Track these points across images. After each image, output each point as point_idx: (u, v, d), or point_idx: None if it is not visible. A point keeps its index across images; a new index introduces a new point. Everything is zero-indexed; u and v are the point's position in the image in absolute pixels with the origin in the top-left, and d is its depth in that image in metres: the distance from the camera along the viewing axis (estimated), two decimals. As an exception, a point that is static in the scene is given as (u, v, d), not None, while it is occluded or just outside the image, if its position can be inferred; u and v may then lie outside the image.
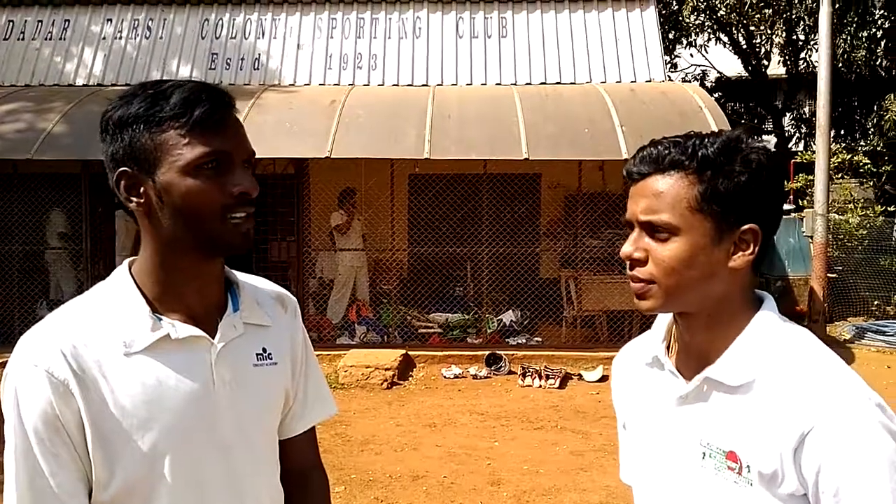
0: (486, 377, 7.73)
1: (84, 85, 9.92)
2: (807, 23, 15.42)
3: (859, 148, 14.50)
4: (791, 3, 14.68)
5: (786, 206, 11.50)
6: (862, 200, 11.74)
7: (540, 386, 7.39)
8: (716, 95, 16.58)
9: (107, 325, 1.14)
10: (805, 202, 11.52)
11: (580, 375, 7.72)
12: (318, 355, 1.46)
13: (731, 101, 19.00)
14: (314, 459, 1.43)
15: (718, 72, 18.79)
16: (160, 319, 1.17)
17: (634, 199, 1.14)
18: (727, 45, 17.28)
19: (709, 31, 16.85)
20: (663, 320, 1.26)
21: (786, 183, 12.44)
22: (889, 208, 11.96)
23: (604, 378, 7.48)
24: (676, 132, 1.17)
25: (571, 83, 9.79)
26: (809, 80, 14.65)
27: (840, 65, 13.75)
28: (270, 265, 8.83)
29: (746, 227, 1.10)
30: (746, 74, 17.87)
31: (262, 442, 1.27)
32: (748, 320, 1.14)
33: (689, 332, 1.18)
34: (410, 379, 7.74)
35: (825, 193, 9.63)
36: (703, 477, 1.14)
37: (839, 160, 12.14)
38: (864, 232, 10.95)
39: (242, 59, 10.19)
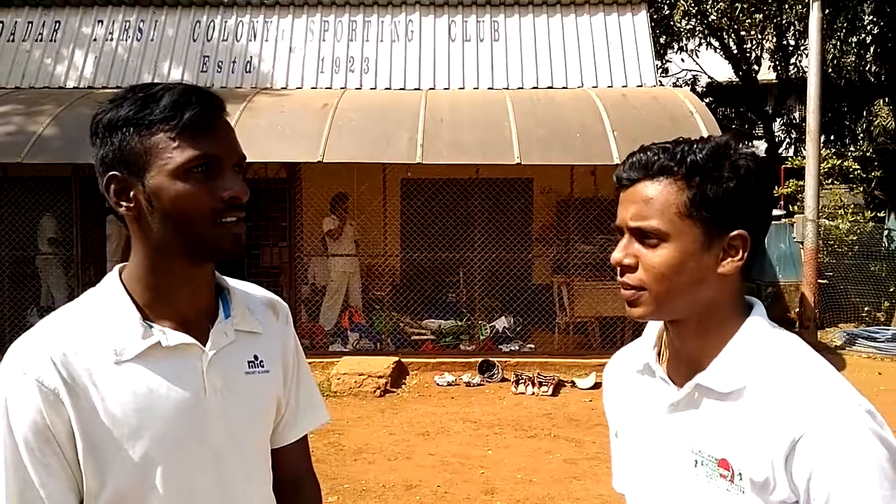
0: (479, 384, 7.72)
1: (75, 87, 9.86)
2: (797, 28, 15.53)
3: (849, 153, 14.58)
4: (781, 8, 14.76)
5: (776, 212, 11.57)
6: (852, 206, 11.81)
7: (533, 393, 7.38)
8: (707, 100, 16.63)
9: (97, 333, 1.13)
10: (795, 208, 11.58)
11: (573, 382, 7.72)
12: (310, 363, 1.45)
13: (722, 106, 19.10)
14: (307, 468, 1.42)
15: (709, 77, 18.88)
16: (151, 327, 1.16)
17: (624, 206, 1.15)
18: (718, 50, 17.36)
19: (700, 36, 16.92)
20: (654, 327, 1.26)
21: (776, 188, 12.52)
22: (879, 214, 12.04)
23: (597, 385, 7.48)
24: (667, 137, 1.17)
25: (563, 88, 9.80)
26: (799, 86, 14.76)
27: (830, 70, 13.84)
28: (262, 271, 8.79)
29: (735, 232, 1.11)
30: (737, 79, 17.96)
31: (254, 450, 1.26)
32: (738, 326, 1.14)
33: (680, 338, 1.18)
34: (403, 386, 7.72)
35: (815, 199, 9.68)
36: (696, 484, 1.14)
37: (829, 166, 12.20)
38: (855, 237, 11.01)
39: (234, 61, 10.15)
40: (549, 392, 7.37)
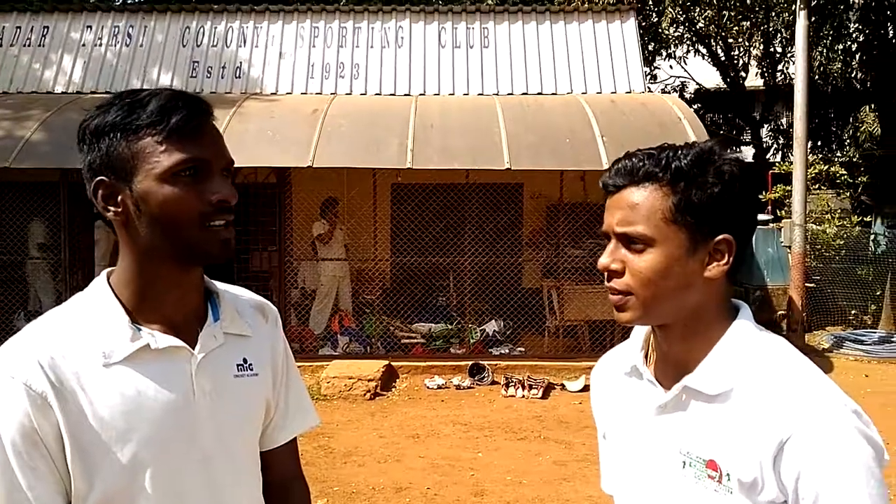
0: (469, 387, 7.72)
1: (63, 92, 9.82)
2: (784, 35, 15.67)
3: (836, 159, 14.73)
4: (768, 15, 14.90)
5: (764, 217, 11.65)
6: (839, 211, 11.91)
7: (523, 396, 7.39)
8: (695, 107, 16.78)
9: (85, 336, 1.13)
10: (783, 212, 11.66)
11: (563, 385, 7.74)
12: (300, 366, 1.46)
13: (710, 113, 19.24)
14: (296, 471, 1.42)
15: (697, 83, 19.02)
16: (139, 329, 1.15)
17: (610, 211, 1.16)
18: (706, 57, 17.50)
19: (688, 43, 17.06)
20: (641, 330, 1.27)
21: (764, 193, 12.61)
22: (865, 218, 12.15)
23: (586, 388, 7.49)
24: (656, 143, 1.18)
25: (553, 94, 9.85)
26: (786, 92, 14.88)
27: (816, 77, 13.96)
28: (252, 275, 8.76)
29: (721, 237, 1.12)
30: (725, 86, 18.10)
31: (243, 453, 1.26)
32: (725, 329, 1.15)
33: (667, 341, 1.19)
34: (393, 390, 7.71)
35: (803, 204, 9.76)
36: (684, 486, 1.15)
37: (816, 171, 12.31)
38: (842, 242, 11.09)
39: (224, 67, 10.14)
40: (539, 395, 7.38)
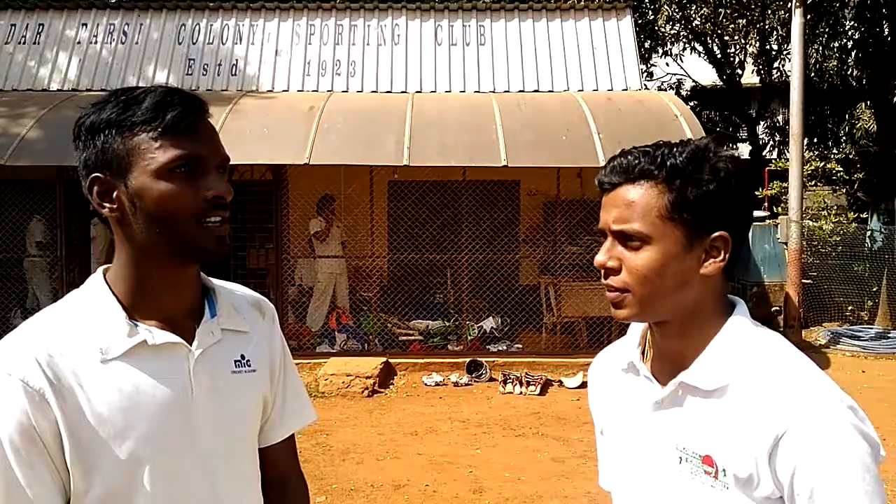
0: (467, 384, 7.73)
1: (59, 90, 9.79)
2: (780, 33, 15.70)
3: (832, 156, 14.75)
4: (764, 13, 14.92)
5: (761, 213, 11.66)
6: (835, 207, 11.93)
7: (521, 393, 7.39)
8: (691, 104, 16.77)
9: (82, 333, 1.13)
10: (779, 209, 11.68)
11: (560, 382, 7.75)
12: (297, 364, 1.45)
13: (707, 110, 19.26)
14: (294, 467, 1.42)
15: (693, 80, 19.04)
16: (136, 326, 1.15)
17: (606, 209, 1.16)
18: (702, 55, 17.51)
19: (684, 40, 17.07)
20: (638, 326, 1.28)
21: (760, 190, 12.62)
22: (862, 215, 12.18)
23: (584, 384, 7.50)
24: (653, 140, 1.18)
25: (549, 91, 9.85)
26: (783, 89, 14.89)
27: (812, 74, 14.00)
28: (249, 272, 8.75)
29: (717, 234, 1.12)
30: (721, 83, 18.12)
31: (242, 449, 1.26)
32: (721, 325, 1.15)
33: (664, 338, 1.19)
34: (391, 387, 7.71)
35: (799, 200, 9.78)
36: (680, 481, 1.15)
37: (812, 168, 12.33)
38: (838, 238, 11.13)
39: (220, 64, 10.12)
40: (537, 391, 7.39)
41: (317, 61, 10.15)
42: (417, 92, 9.83)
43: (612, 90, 9.84)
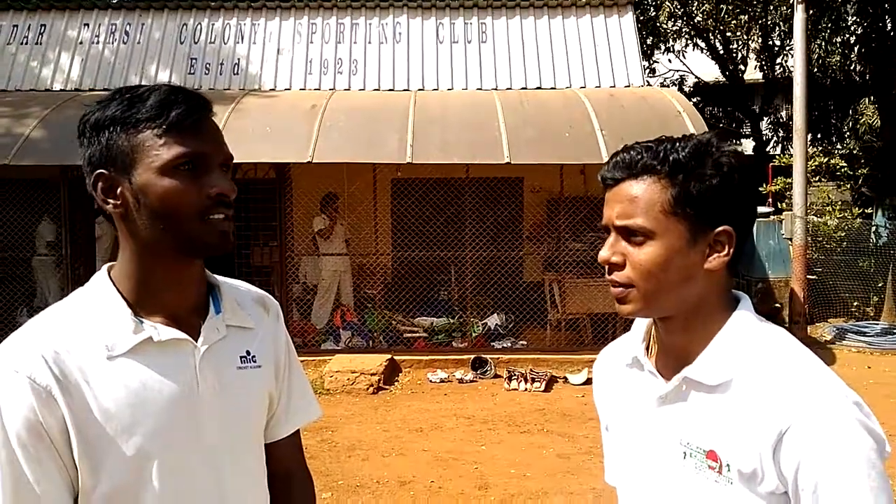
0: (471, 381, 7.73)
1: (62, 90, 9.81)
2: (782, 28, 15.65)
3: (836, 151, 14.71)
4: (766, 9, 14.88)
5: (765, 209, 11.65)
6: (839, 203, 11.90)
7: (526, 389, 7.39)
8: (694, 100, 16.74)
9: (88, 329, 1.14)
10: (784, 205, 11.65)
11: (565, 378, 7.74)
12: (302, 361, 1.46)
13: (709, 106, 19.22)
14: (300, 463, 1.43)
15: (696, 77, 19.01)
16: (142, 322, 1.16)
17: (610, 205, 1.16)
18: (704, 51, 17.48)
19: (686, 36, 17.04)
20: (642, 321, 1.28)
21: (764, 186, 12.60)
22: (866, 210, 12.15)
23: (589, 381, 7.50)
24: (656, 136, 1.18)
25: (552, 88, 9.84)
26: (786, 85, 14.86)
27: (815, 70, 13.96)
28: (253, 270, 8.76)
29: (720, 228, 1.12)
30: (724, 79, 18.08)
31: (247, 445, 1.27)
32: (725, 320, 1.15)
33: (668, 333, 1.19)
34: (396, 384, 7.72)
35: (803, 196, 9.76)
36: (684, 476, 1.15)
37: (816, 163, 12.30)
38: (843, 234, 11.10)
39: (222, 63, 10.13)
40: (542, 388, 7.38)
41: (319, 60, 10.16)
42: (419, 90, 9.83)
43: (614, 87, 9.83)
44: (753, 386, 1.09)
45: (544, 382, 7.44)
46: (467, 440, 5.93)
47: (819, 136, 17.44)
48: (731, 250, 1.13)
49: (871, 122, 15.70)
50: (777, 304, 9.95)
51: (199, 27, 10.35)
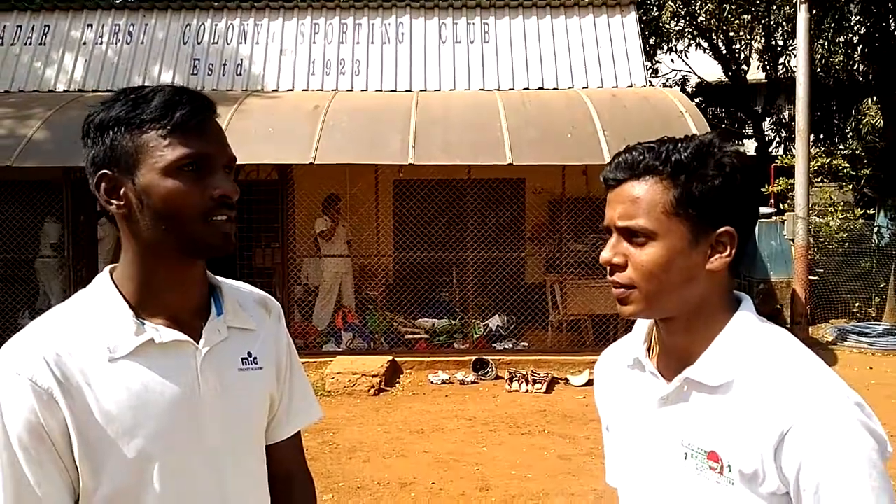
0: (473, 382, 7.73)
1: (65, 91, 9.83)
2: (785, 28, 15.63)
3: (838, 151, 14.68)
4: (769, 9, 14.86)
5: (767, 210, 11.63)
6: (842, 204, 11.87)
7: (527, 391, 7.39)
8: (696, 100, 16.73)
9: (90, 332, 1.14)
10: (786, 205, 11.64)
11: (567, 380, 7.74)
12: (304, 362, 1.46)
13: (712, 106, 19.19)
14: (300, 464, 1.43)
15: (699, 77, 18.97)
16: (143, 324, 1.16)
17: (611, 205, 1.16)
18: (707, 51, 17.45)
19: (689, 36, 17.00)
20: (644, 322, 1.28)
21: (766, 187, 12.58)
22: (868, 211, 12.12)
23: (590, 382, 7.50)
24: (658, 136, 1.18)
25: (554, 88, 9.83)
26: (788, 85, 14.85)
27: (818, 70, 13.94)
28: (255, 272, 8.77)
29: (722, 229, 1.12)
30: (726, 79, 18.04)
31: (249, 447, 1.27)
32: (727, 321, 1.15)
33: (669, 333, 1.19)
34: (397, 385, 7.72)
35: (805, 197, 9.75)
36: (686, 477, 1.15)
37: (819, 164, 12.27)
38: (845, 235, 11.07)
39: (225, 64, 10.14)
40: (543, 389, 7.38)
41: (321, 60, 10.17)
42: (422, 90, 9.83)
43: (616, 87, 9.83)
44: (755, 387, 1.09)
45: (545, 384, 7.44)
46: (468, 441, 5.93)
47: (822, 136, 17.41)
48: (733, 251, 1.13)
49: (873, 122, 15.67)
50: (779, 305, 9.95)
51: (202, 28, 10.36)
